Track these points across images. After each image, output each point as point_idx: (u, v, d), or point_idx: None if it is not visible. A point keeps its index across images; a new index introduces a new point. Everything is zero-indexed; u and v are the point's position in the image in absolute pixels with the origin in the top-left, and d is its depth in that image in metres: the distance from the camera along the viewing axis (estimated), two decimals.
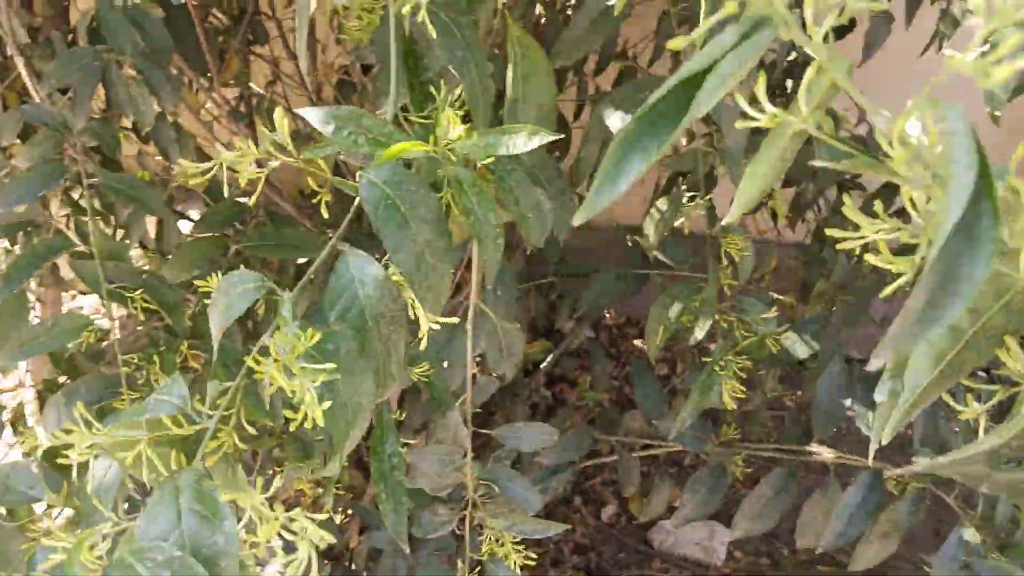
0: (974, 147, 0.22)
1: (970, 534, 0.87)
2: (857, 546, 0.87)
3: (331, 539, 0.36)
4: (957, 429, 0.91)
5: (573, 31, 0.69)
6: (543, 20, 0.94)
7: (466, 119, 0.49)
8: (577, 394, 1.62)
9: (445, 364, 0.66)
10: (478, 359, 0.84)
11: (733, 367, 0.76)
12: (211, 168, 0.48)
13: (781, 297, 0.96)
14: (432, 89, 0.49)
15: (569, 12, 0.97)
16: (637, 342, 2.36)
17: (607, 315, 2.36)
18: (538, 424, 0.72)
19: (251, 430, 0.45)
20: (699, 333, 0.91)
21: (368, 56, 0.74)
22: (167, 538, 0.34)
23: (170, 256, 0.82)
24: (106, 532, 0.36)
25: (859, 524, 0.83)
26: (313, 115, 0.46)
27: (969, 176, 0.21)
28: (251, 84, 1.14)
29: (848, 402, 0.89)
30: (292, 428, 0.40)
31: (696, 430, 0.91)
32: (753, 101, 0.30)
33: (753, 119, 0.28)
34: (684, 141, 1.02)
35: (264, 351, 0.42)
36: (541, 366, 1.51)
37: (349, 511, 1.16)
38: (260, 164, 0.48)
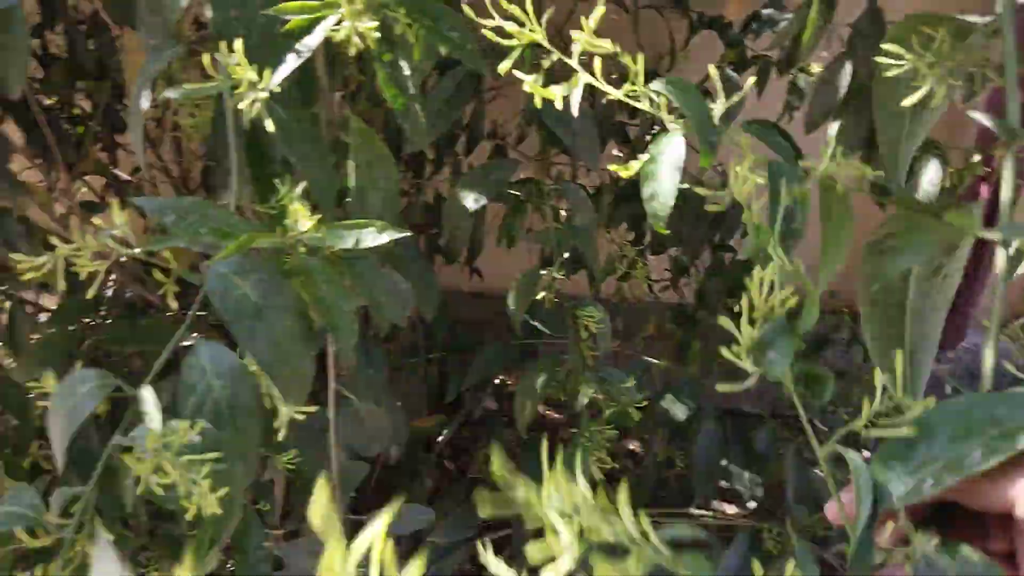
0: None
1: None
2: None
3: None
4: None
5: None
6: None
7: (314, 209, 0.49)
8: (476, 468, 1.60)
9: (311, 452, 0.65)
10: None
11: (600, 439, 0.77)
12: (46, 263, 0.46)
13: (656, 361, 0.99)
14: (276, 181, 0.50)
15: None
16: (539, 408, 2.36)
17: (509, 383, 2.35)
18: (414, 506, 0.70)
19: (107, 535, 0.43)
20: (583, 400, 0.92)
21: None
22: None
23: (21, 353, 0.78)
24: None
25: None
26: (150, 206, 0.45)
27: None
28: (118, 172, 1.12)
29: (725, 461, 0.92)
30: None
31: None
32: None
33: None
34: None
35: (121, 449, 0.40)
36: (439, 440, 1.49)
37: None
38: (104, 256, 0.47)
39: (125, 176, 1.19)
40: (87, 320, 0.88)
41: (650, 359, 0.97)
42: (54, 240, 0.42)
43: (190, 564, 0.44)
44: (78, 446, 0.48)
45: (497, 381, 2.22)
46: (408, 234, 0.47)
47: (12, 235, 0.80)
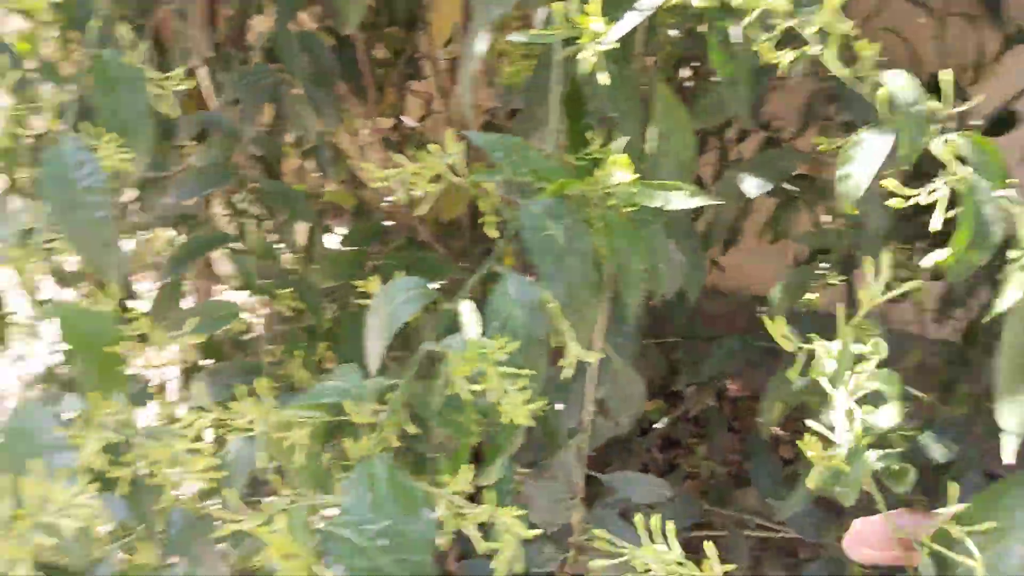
0: None
1: None
2: None
3: (533, 534, 0.39)
4: None
5: (715, 96, 0.70)
6: (687, 83, 0.95)
7: None
8: (691, 462, 1.57)
9: (562, 402, 0.67)
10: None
11: None
12: (392, 175, 0.50)
13: (919, 394, 0.91)
14: (588, 134, 0.51)
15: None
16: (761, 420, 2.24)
17: (731, 385, 2.26)
18: (652, 476, 0.70)
19: (413, 428, 0.46)
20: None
21: (514, 101, 0.77)
22: (369, 521, 0.37)
23: (316, 263, 0.87)
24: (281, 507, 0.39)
25: None
26: (482, 140, 0.48)
27: None
28: (404, 116, 1.21)
29: None
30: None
31: (815, 518, 0.86)
32: None
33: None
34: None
35: (434, 356, 0.44)
36: (655, 427, 1.48)
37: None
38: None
39: (411, 122, 1.28)
40: (368, 248, 0.97)
41: (915, 391, 0.89)
42: (398, 159, 0.47)
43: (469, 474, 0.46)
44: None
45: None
46: (720, 203, 0.46)
47: (325, 159, 0.90)
